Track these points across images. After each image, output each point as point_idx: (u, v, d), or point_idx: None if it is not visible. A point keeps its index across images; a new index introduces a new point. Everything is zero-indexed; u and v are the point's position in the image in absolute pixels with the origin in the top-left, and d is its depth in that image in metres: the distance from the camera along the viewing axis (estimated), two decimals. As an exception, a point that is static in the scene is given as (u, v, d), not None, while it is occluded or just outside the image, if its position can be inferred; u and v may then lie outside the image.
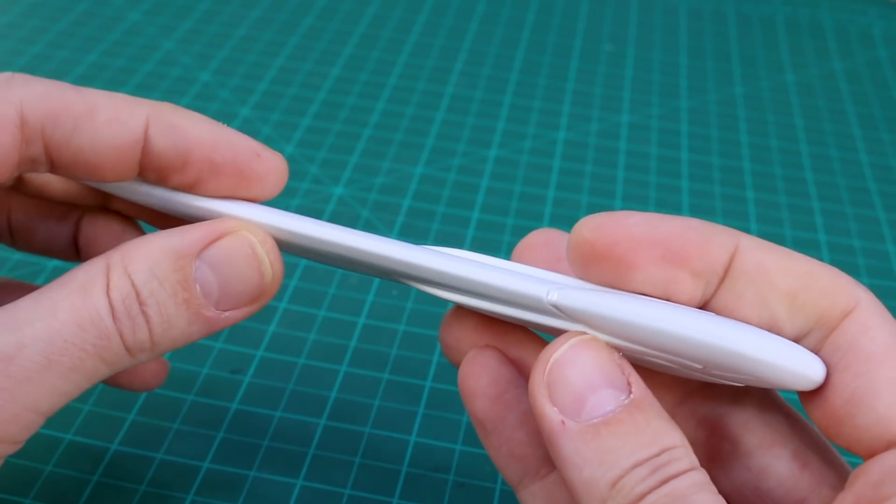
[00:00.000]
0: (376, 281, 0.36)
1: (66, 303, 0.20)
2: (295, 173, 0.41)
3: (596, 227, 0.19)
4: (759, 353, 0.18)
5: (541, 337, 0.22)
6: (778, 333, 0.19)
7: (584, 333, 0.19)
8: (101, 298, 0.20)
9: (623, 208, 0.41)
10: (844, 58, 0.54)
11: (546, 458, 0.21)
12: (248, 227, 0.21)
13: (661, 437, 0.18)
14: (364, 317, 0.35)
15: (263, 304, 0.22)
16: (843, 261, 0.39)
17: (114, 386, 0.27)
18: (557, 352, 0.19)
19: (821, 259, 0.21)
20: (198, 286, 0.20)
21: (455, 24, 0.54)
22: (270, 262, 0.21)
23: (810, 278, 0.19)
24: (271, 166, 0.22)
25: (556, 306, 0.19)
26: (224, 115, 0.44)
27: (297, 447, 0.30)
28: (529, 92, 0.48)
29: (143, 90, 0.45)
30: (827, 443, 0.21)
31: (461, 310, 0.23)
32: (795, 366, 0.18)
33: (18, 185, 0.25)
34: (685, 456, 0.17)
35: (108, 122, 0.20)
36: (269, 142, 0.43)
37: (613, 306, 0.19)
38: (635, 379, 0.18)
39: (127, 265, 0.20)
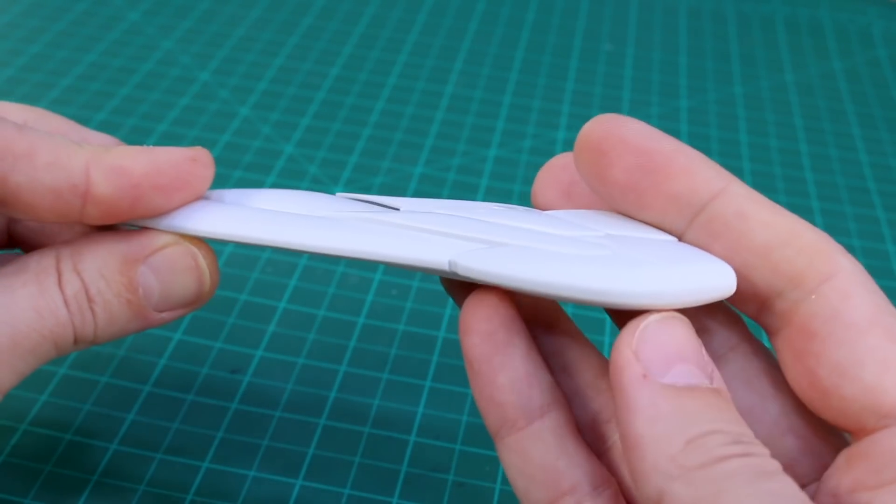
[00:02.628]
0: (376, 281, 0.36)
1: (23, 290, 0.21)
2: (295, 173, 0.41)
3: (601, 120, 0.20)
4: (655, 300, 0.19)
5: None
6: (747, 285, 0.19)
7: (679, 314, 0.19)
8: (56, 291, 0.21)
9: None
10: (844, 57, 0.54)
11: (524, 409, 0.21)
12: (190, 240, 0.22)
13: (741, 424, 0.17)
14: (364, 317, 0.35)
15: (199, 307, 0.23)
16: (843, 260, 0.39)
17: None
18: (658, 317, 0.18)
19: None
20: (141, 289, 0.22)
21: (455, 23, 0.54)
22: (210, 273, 0.23)
23: (790, 235, 0.19)
24: (208, 165, 0.23)
25: (455, 272, 0.20)
26: (224, 115, 0.44)
27: (297, 447, 0.30)
28: (529, 92, 0.48)
29: (143, 90, 0.45)
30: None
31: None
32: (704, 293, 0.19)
33: None
34: (762, 446, 0.17)
35: (48, 165, 0.21)
36: (268, 141, 0.43)
37: (497, 270, 0.20)
38: (717, 374, 0.18)
39: (76, 262, 0.22)
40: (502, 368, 0.21)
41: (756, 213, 0.19)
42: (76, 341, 0.22)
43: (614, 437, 0.22)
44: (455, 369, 0.33)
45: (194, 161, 0.22)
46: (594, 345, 0.23)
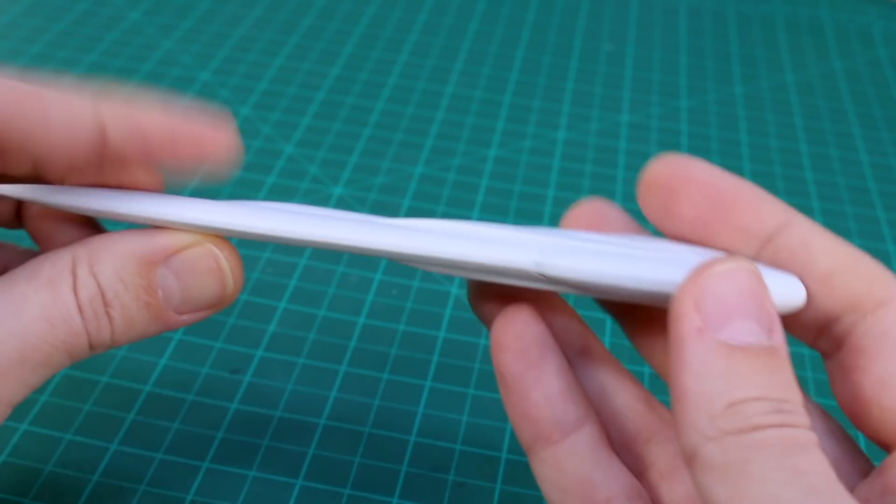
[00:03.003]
0: (376, 281, 0.36)
1: (35, 298, 0.20)
2: (295, 173, 0.41)
3: (666, 160, 0.21)
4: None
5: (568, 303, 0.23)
6: (809, 311, 0.20)
7: (751, 263, 0.19)
8: (70, 297, 0.20)
9: (623, 208, 0.41)
10: (844, 57, 0.54)
11: (559, 424, 0.21)
12: (211, 239, 0.22)
13: (788, 389, 0.17)
14: (364, 317, 0.35)
15: (222, 308, 0.22)
16: (843, 260, 0.39)
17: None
18: (724, 266, 0.18)
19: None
20: (160, 291, 0.21)
21: (455, 23, 0.54)
22: (233, 274, 0.22)
23: (850, 262, 0.19)
24: (228, 132, 0.22)
25: (541, 274, 0.20)
26: (224, 115, 0.44)
27: (297, 447, 0.30)
28: (529, 91, 0.48)
29: (144, 90, 0.45)
30: None
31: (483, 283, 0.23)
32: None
33: None
34: (805, 415, 0.17)
35: (62, 119, 0.20)
36: (268, 141, 0.43)
37: (583, 268, 0.20)
38: (778, 328, 0.18)
39: (93, 265, 0.21)
40: (536, 385, 0.21)
41: (819, 243, 0.20)
42: (92, 347, 0.21)
43: (652, 458, 0.22)
44: (455, 369, 0.33)
45: (206, 129, 0.21)
46: (630, 373, 0.23)
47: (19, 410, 0.30)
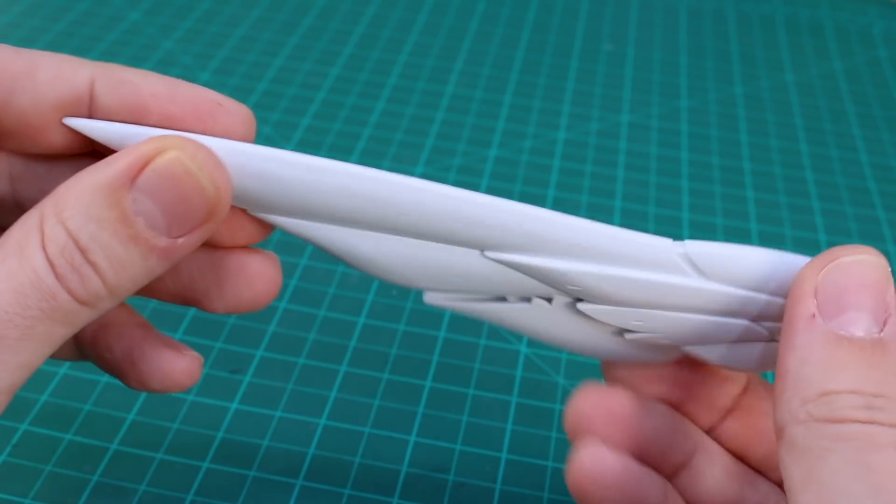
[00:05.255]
0: (376, 281, 0.36)
1: (2, 269, 0.18)
2: (295, 173, 0.41)
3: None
4: None
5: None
6: None
7: (880, 257, 0.19)
8: (38, 255, 0.18)
9: (623, 208, 0.41)
10: (844, 57, 0.54)
11: None
12: (175, 143, 0.19)
13: (886, 384, 0.17)
14: (364, 316, 0.35)
15: (218, 220, 0.20)
16: (843, 260, 0.39)
17: (145, 390, 0.24)
18: (850, 257, 0.19)
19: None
20: (140, 219, 0.18)
21: (455, 23, 0.54)
22: (208, 174, 0.19)
23: None
24: (236, 115, 0.21)
25: (687, 256, 0.20)
26: (224, 115, 0.44)
27: (297, 447, 0.30)
28: (529, 92, 0.48)
29: (143, 90, 0.45)
30: None
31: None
32: None
33: None
34: (894, 412, 0.17)
35: (51, 80, 0.19)
36: (268, 142, 0.43)
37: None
38: (893, 321, 0.18)
39: (60, 212, 0.18)
40: None
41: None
42: (85, 303, 0.18)
43: None
44: (455, 369, 0.33)
45: (219, 106, 0.20)
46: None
47: (19, 410, 0.30)
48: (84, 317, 0.19)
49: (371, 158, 0.42)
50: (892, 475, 0.16)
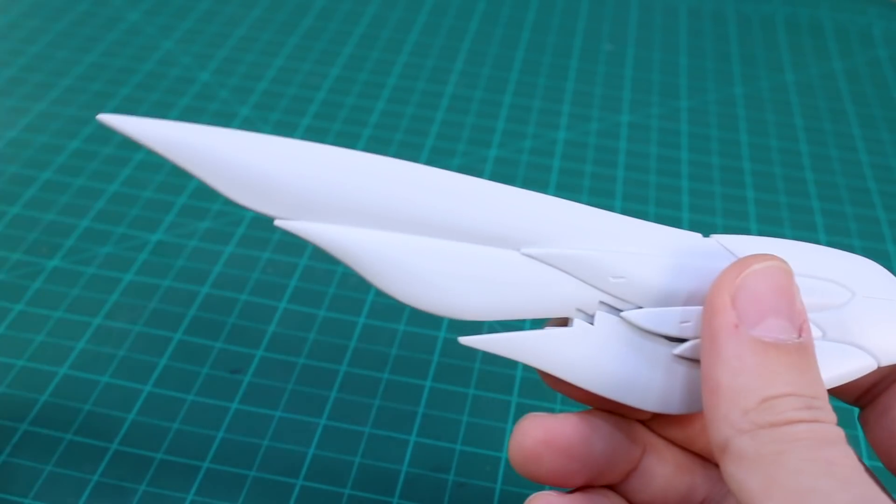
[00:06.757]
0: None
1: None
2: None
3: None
4: None
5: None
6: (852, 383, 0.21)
7: (785, 263, 0.19)
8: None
9: (623, 208, 0.41)
10: (844, 58, 0.54)
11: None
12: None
13: (815, 385, 0.18)
14: (364, 316, 0.35)
15: None
16: (843, 260, 0.39)
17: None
18: (761, 264, 0.19)
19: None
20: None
21: (455, 23, 0.54)
22: None
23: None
24: None
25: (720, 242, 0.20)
26: (224, 115, 0.44)
27: (297, 447, 0.30)
28: (529, 92, 0.48)
29: (143, 90, 0.45)
30: None
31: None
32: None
33: None
34: (832, 411, 0.18)
35: None
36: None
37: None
38: (807, 326, 0.19)
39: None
40: None
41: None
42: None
43: None
44: (455, 369, 0.33)
45: None
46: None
47: (20, 410, 0.30)
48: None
49: (371, 158, 0.42)
50: (853, 468, 0.16)
